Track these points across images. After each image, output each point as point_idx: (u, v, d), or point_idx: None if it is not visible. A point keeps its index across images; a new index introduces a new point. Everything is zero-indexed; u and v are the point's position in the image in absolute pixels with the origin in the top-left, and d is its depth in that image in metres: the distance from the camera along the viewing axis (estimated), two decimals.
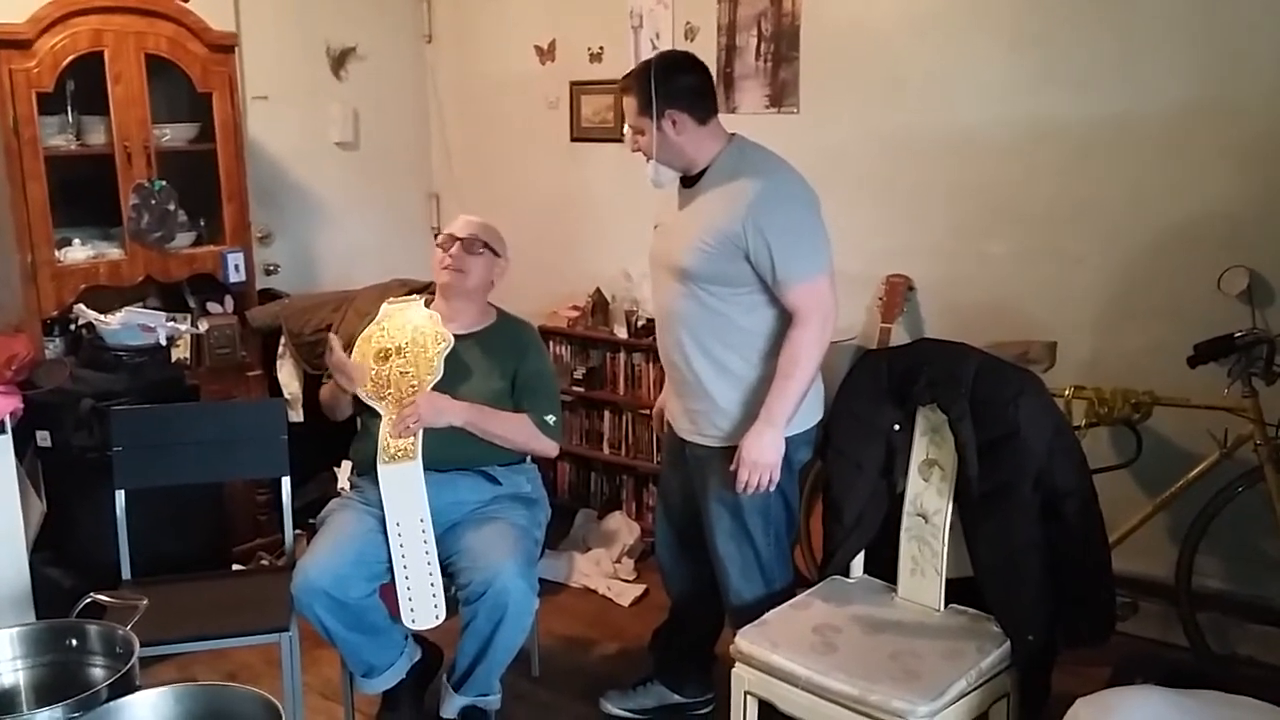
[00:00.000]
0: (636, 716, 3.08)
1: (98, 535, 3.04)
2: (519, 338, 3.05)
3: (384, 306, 3.08)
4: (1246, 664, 3.14)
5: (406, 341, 2.94)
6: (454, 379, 2.90)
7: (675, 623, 3.10)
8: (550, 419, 2.95)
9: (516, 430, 2.91)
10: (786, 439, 2.58)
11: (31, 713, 1.64)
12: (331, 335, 2.96)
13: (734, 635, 2.54)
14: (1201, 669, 3.01)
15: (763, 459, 2.55)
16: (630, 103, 2.64)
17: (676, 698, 3.07)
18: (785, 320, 2.57)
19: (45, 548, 3.17)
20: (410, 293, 3.47)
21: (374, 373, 2.92)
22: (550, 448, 2.99)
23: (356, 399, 2.94)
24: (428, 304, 3.06)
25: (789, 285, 2.51)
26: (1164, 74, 3.16)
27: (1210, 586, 3.21)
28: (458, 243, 2.96)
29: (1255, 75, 3.03)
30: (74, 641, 1.89)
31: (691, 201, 2.65)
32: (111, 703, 1.66)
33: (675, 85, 2.58)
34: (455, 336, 2.93)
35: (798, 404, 2.57)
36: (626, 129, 2.76)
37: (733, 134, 2.67)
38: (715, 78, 3.96)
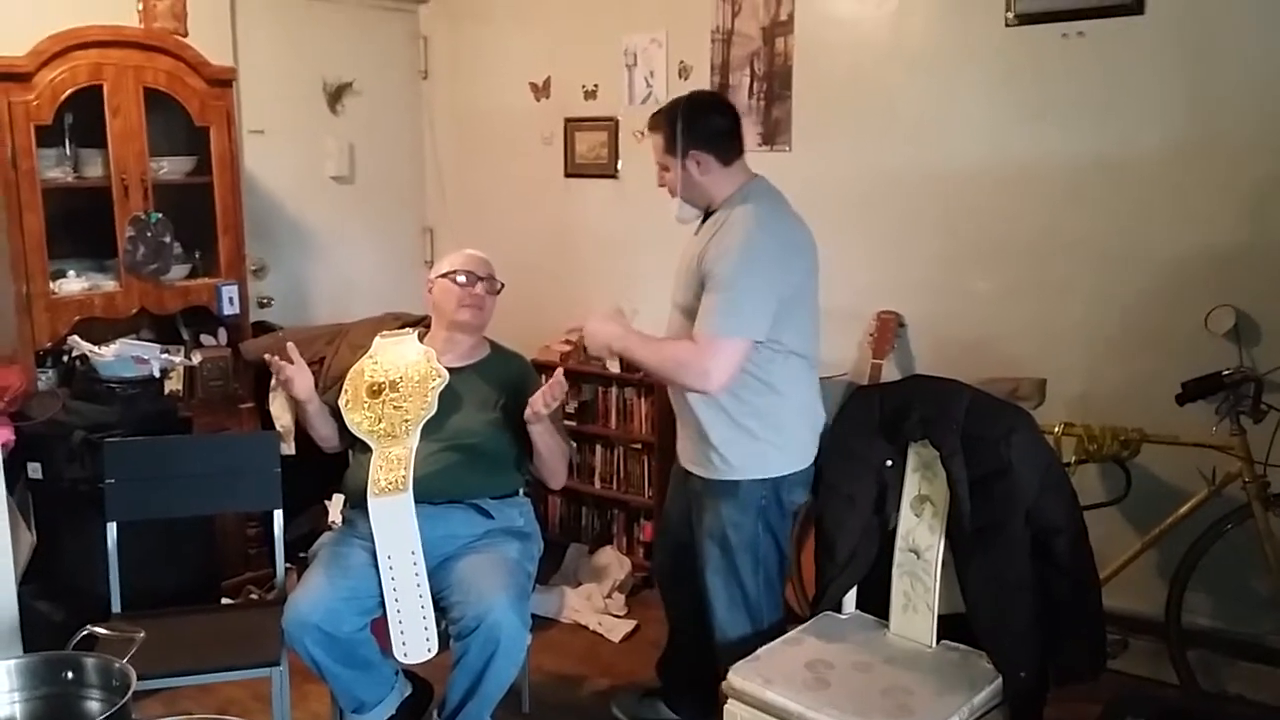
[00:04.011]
0: None
1: (88, 568, 3.02)
2: (518, 371, 3.08)
3: (376, 340, 3.10)
4: (1236, 701, 3.14)
5: (400, 377, 2.95)
6: (448, 410, 2.91)
7: (673, 644, 3.14)
8: (573, 445, 3.00)
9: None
10: (780, 479, 2.65)
11: None
12: (289, 344, 2.96)
13: (723, 670, 2.53)
14: (1191, 706, 3.01)
15: (597, 336, 2.69)
16: (657, 141, 2.69)
17: (676, 717, 3.11)
18: (778, 359, 2.60)
19: (34, 580, 3.14)
20: (403, 326, 3.49)
21: (366, 405, 2.94)
22: (565, 474, 3.07)
23: (347, 432, 2.95)
24: (421, 338, 3.08)
25: (698, 332, 2.53)
26: (1152, 114, 3.21)
27: (1200, 624, 3.22)
28: (481, 281, 3.00)
29: (1242, 116, 3.08)
30: (70, 674, 1.88)
31: (697, 237, 2.70)
32: None
33: (702, 127, 2.63)
34: (450, 369, 2.95)
35: (639, 362, 2.70)
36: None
37: (756, 175, 2.70)
38: None
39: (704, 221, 2.72)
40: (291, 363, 2.88)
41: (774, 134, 3.96)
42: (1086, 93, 3.30)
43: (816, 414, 2.77)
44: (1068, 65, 3.32)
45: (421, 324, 3.43)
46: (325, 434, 3.03)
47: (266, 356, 2.92)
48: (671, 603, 3.09)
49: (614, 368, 4.22)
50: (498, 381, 3.02)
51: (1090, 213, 3.35)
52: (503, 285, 3.08)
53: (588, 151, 4.52)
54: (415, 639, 2.70)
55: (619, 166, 4.39)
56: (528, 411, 2.81)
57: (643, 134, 3.72)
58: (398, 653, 2.71)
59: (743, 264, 2.50)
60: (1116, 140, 3.27)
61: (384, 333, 3.16)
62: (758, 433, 2.64)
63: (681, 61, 4.18)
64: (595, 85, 4.46)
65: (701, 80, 4.09)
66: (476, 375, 3.02)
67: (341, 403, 2.97)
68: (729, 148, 2.65)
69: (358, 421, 2.93)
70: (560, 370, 2.82)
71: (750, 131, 3.98)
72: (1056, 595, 2.49)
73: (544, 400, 2.79)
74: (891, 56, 3.68)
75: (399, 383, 2.95)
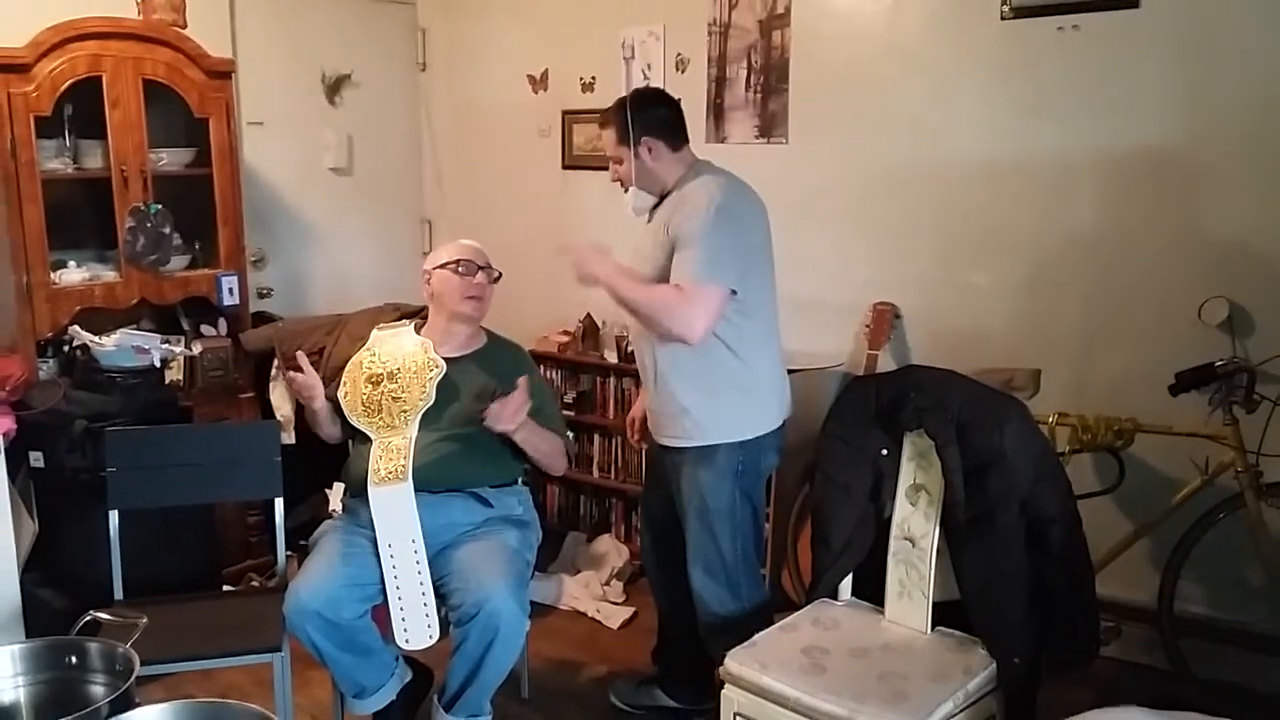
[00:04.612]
0: (635, 711, 3.18)
1: (89, 556, 3.04)
2: (515, 360, 3.09)
3: (374, 332, 3.12)
4: (1228, 688, 3.17)
5: (398, 367, 2.97)
6: (446, 400, 2.93)
7: (664, 632, 3.19)
8: (570, 435, 3.06)
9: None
10: (753, 441, 2.74)
11: None
12: (299, 353, 3.00)
13: (716, 655, 2.56)
14: (1184, 692, 3.04)
15: (587, 263, 2.72)
16: (610, 134, 2.81)
17: (672, 703, 3.16)
18: (746, 326, 2.69)
19: (36, 568, 3.16)
20: (402, 317, 3.50)
21: (365, 397, 2.96)
22: (564, 464, 3.08)
23: (347, 422, 2.97)
24: (418, 329, 3.10)
25: (679, 282, 2.60)
26: (1147, 107, 3.22)
27: (1192, 611, 3.25)
28: (481, 270, 3.02)
29: (1236, 112, 3.10)
30: (74, 659, 1.89)
31: (653, 216, 2.81)
32: (111, 719, 1.67)
33: (649, 116, 2.77)
34: (448, 359, 2.97)
35: (623, 298, 2.69)
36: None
37: (703, 160, 2.82)
38: (705, 109, 4.08)
39: (654, 210, 2.82)
40: (302, 372, 2.91)
41: (770, 127, 3.98)
42: (1082, 86, 3.32)
43: (782, 378, 2.88)
44: (1063, 59, 3.34)
45: (419, 315, 3.44)
46: (331, 432, 3.05)
47: (288, 376, 2.93)
48: (659, 589, 3.15)
49: (611, 358, 4.25)
50: (495, 371, 3.03)
51: (1085, 205, 3.37)
52: (500, 274, 3.10)
53: (585, 144, 4.54)
54: (416, 625, 2.72)
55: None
56: (495, 429, 2.83)
57: None
58: (399, 639, 2.73)
59: (712, 220, 2.60)
60: (1111, 133, 3.29)
61: (381, 325, 3.17)
62: (728, 396, 2.73)
63: (679, 54, 4.19)
64: (593, 78, 4.48)
65: (699, 73, 4.11)
66: (474, 365, 3.04)
67: (340, 395, 2.99)
68: (676, 134, 2.80)
69: (356, 412, 2.95)
70: (522, 385, 2.82)
71: (747, 124, 4.03)
72: (1051, 583, 2.51)
73: (503, 420, 2.79)
74: (887, 50, 3.69)
75: (397, 374, 2.96)
